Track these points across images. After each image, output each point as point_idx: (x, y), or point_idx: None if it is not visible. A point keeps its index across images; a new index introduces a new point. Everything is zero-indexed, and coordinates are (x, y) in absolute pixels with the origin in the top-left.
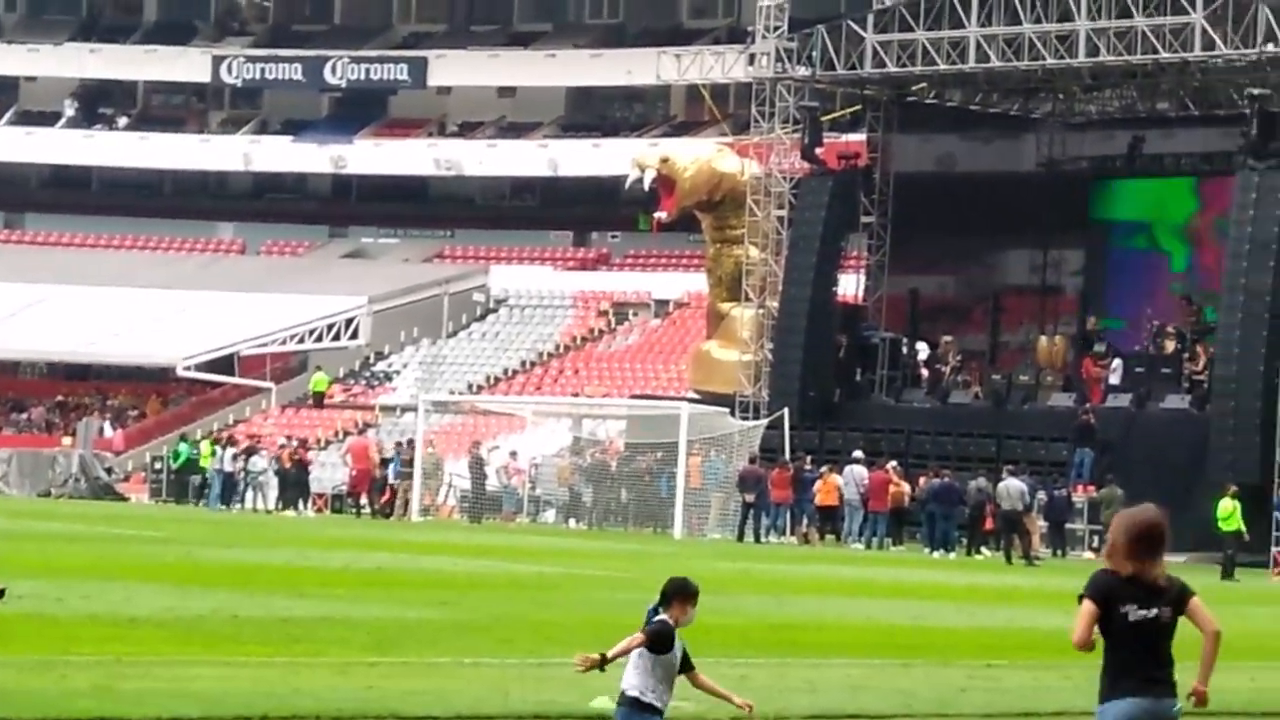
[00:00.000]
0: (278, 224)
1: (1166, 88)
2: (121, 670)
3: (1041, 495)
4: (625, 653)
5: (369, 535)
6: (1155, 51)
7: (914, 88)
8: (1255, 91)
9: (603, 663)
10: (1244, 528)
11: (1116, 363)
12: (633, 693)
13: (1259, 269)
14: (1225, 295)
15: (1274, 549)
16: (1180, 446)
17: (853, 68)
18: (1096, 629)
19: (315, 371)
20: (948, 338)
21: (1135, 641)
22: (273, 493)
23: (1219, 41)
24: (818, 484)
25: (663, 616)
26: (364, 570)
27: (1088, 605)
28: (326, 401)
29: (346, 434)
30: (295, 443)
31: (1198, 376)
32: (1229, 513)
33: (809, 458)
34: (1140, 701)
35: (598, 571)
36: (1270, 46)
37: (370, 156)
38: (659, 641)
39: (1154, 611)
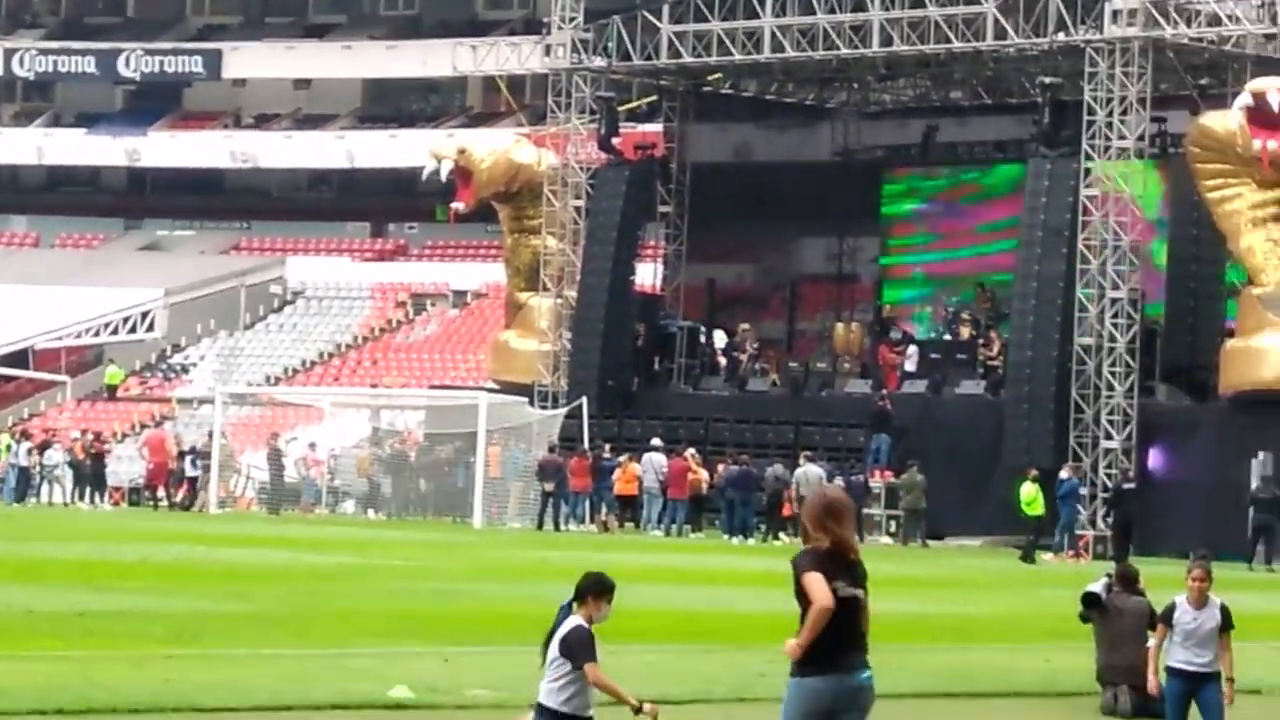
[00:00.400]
0: (72, 217)
1: (960, 77)
2: None
3: (839, 481)
4: (615, 692)
5: (166, 528)
6: (948, 41)
7: (710, 78)
8: (1047, 80)
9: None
10: (1045, 511)
11: (912, 349)
12: (554, 704)
13: (1052, 256)
14: (1018, 282)
15: (1066, 533)
16: (976, 431)
17: (649, 58)
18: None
19: (109, 365)
20: (745, 326)
21: (838, 617)
22: (69, 486)
23: (1011, 31)
24: (617, 472)
25: (576, 618)
26: (161, 563)
27: (815, 574)
28: (122, 394)
29: (143, 427)
30: (91, 436)
31: (992, 362)
32: (1032, 497)
33: (608, 446)
34: (836, 677)
35: (397, 561)
36: (1061, 36)
37: (165, 149)
38: (586, 652)
39: (856, 591)
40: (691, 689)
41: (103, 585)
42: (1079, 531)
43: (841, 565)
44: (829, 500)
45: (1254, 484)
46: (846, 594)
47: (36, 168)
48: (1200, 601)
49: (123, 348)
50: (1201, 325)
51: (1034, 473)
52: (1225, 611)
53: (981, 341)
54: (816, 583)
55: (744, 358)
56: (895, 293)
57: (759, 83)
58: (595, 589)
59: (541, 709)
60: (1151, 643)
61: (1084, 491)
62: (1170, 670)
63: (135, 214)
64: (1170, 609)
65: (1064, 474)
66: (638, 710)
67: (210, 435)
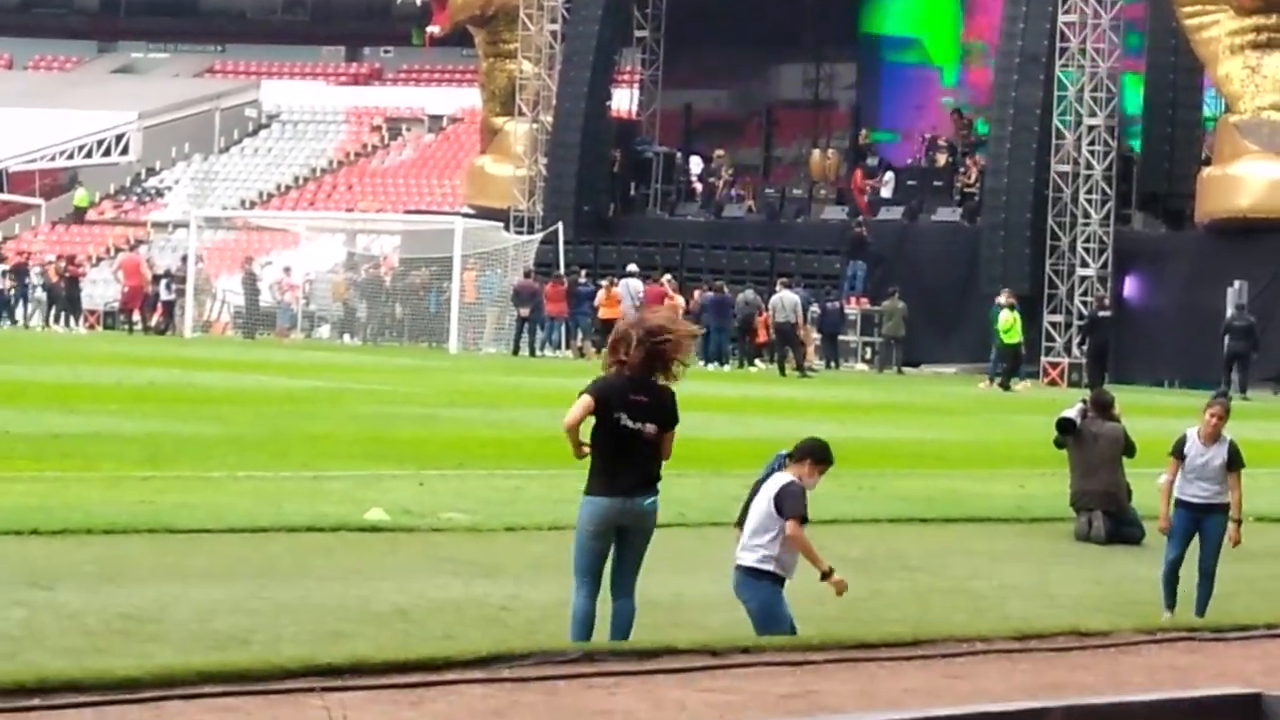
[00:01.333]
0: (45, 39)
1: None
2: None
3: (815, 308)
4: (810, 552)
5: (141, 351)
6: None
7: None
8: None
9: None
10: (1023, 339)
11: (888, 176)
12: (768, 565)
13: (1029, 82)
14: (995, 108)
15: (1044, 358)
16: (952, 259)
17: None
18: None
19: (78, 188)
20: (721, 152)
21: (620, 444)
22: (44, 309)
23: None
24: (600, 295)
25: (789, 475)
26: (136, 386)
27: (585, 397)
28: (95, 218)
29: (118, 250)
30: (65, 260)
31: (969, 189)
32: (1009, 325)
33: (584, 272)
34: (619, 500)
35: (372, 386)
36: None
37: None
38: (798, 504)
39: (638, 425)
40: (666, 513)
41: (78, 408)
42: (1054, 359)
43: (631, 397)
44: (625, 328)
45: (1228, 312)
46: (627, 425)
47: None
48: (1213, 438)
49: (97, 171)
50: (1178, 153)
51: (1011, 300)
52: (1234, 449)
53: (958, 168)
54: (576, 405)
55: (720, 183)
56: (872, 119)
57: None
58: (819, 454)
59: (743, 570)
60: (1163, 478)
61: (1058, 319)
62: (1178, 502)
63: (109, 36)
64: (1181, 442)
65: (1001, 299)
66: (825, 576)
67: (185, 259)
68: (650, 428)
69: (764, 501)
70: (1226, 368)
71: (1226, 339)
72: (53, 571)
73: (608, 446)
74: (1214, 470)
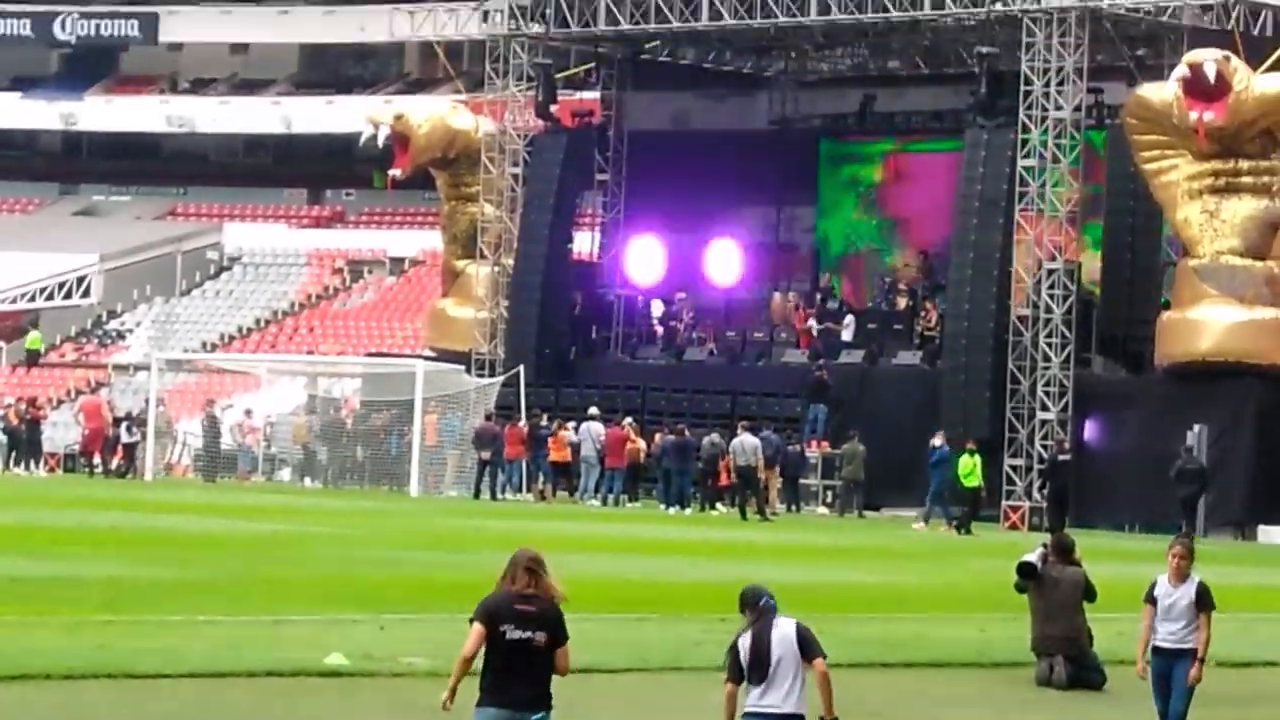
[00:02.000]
0: (7, 181)
1: (897, 47)
2: None
3: (771, 449)
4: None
5: (102, 494)
6: (886, 10)
7: (647, 45)
8: (984, 51)
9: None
10: (983, 483)
11: (848, 319)
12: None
13: (988, 227)
14: (955, 253)
15: (1005, 502)
16: (913, 402)
17: (586, 25)
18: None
19: (30, 330)
20: (682, 295)
21: (509, 657)
22: (3, 452)
23: (948, 0)
24: (550, 440)
25: (789, 618)
26: (97, 529)
27: (476, 625)
28: (57, 359)
29: (79, 393)
30: (25, 402)
31: (929, 333)
32: (970, 469)
33: (545, 415)
34: (507, 712)
35: (333, 529)
36: (999, 6)
37: (101, 113)
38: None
39: (529, 634)
40: (627, 657)
41: (37, 552)
42: (1015, 503)
43: (517, 607)
44: (514, 557)
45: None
46: (514, 636)
47: None
48: (1180, 577)
49: (58, 313)
50: (1138, 297)
51: (971, 445)
52: (1204, 589)
53: (918, 312)
54: (470, 636)
55: (681, 326)
56: (833, 262)
57: (697, 51)
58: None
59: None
60: (1142, 623)
61: (1018, 463)
62: (1153, 648)
63: (71, 179)
64: (1152, 587)
65: (936, 441)
66: None
67: (146, 402)
68: (540, 636)
69: (785, 647)
70: (1180, 511)
71: (1177, 483)
72: (11, 717)
73: (497, 660)
74: (1182, 610)
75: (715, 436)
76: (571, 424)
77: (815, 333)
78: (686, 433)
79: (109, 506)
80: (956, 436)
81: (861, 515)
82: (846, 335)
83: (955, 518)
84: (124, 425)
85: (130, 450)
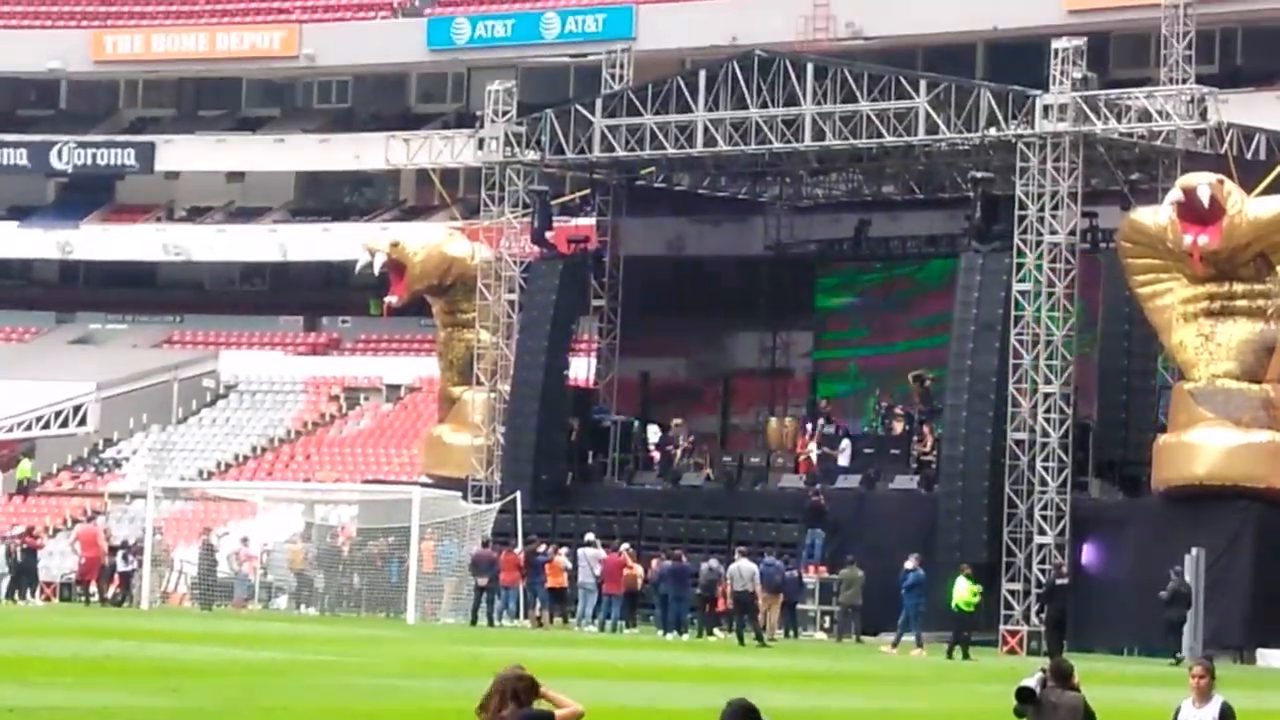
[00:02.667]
0: (4, 310)
1: (892, 171)
2: None
3: (772, 575)
4: None
5: (98, 623)
6: (880, 136)
7: (643, 171)
8: (978, 175)
9: None
10: (976, 607)
11: (845, 443)
12: None
13: (984, 350)
14: (951, 376)
15: (1003, 627)
16: (910, 527)
17: (582, 152)
18: None
19: (21, 460)
20: (678, 420)
21: None
22: (2, 582)
23: (942, 126)
24: (547, 566)
25: None
26: (92, 658)
27: None
28: (53, 488)
29: (75, 521)
30: (22, 530)
31: (926, 457)
32: (961, 590)
33: (542, 541)
34: None
35: (329, 657)
36: (993, 131)
37: (98, 242)
38: None
39: None
40: None
41: (33, 681)
42: (1013, 627)
43: None
44: (496, 679)
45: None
46: None
47: None
48: (1204, 696)
49: (54, 442)
50: (1134, 420)
51: (967, 569)
52: (1227, 710)
53: (915, 436)
54: None
55: (678, 452)
56: (829, 387)
57: (692, 177)
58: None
59: None
60: None
61: (1016, 587)
62: None
63: (67, 307)
64: (1176, 713)
65: (909, 564)
66: None
67: (143, 530)
68: None
69: None
70: (1167, 635)
71: (1165, 607)
72: None
73: None
74: None
75: (714, 563)
76: (564, 550)
77: (814, 458)
78: (684, 558)
79: (105, 635)
80: (952, 561)
81: (859, 640)
82: (843, 460)
83: (949, 642)
84: (120, 554)
85: (126, 579)
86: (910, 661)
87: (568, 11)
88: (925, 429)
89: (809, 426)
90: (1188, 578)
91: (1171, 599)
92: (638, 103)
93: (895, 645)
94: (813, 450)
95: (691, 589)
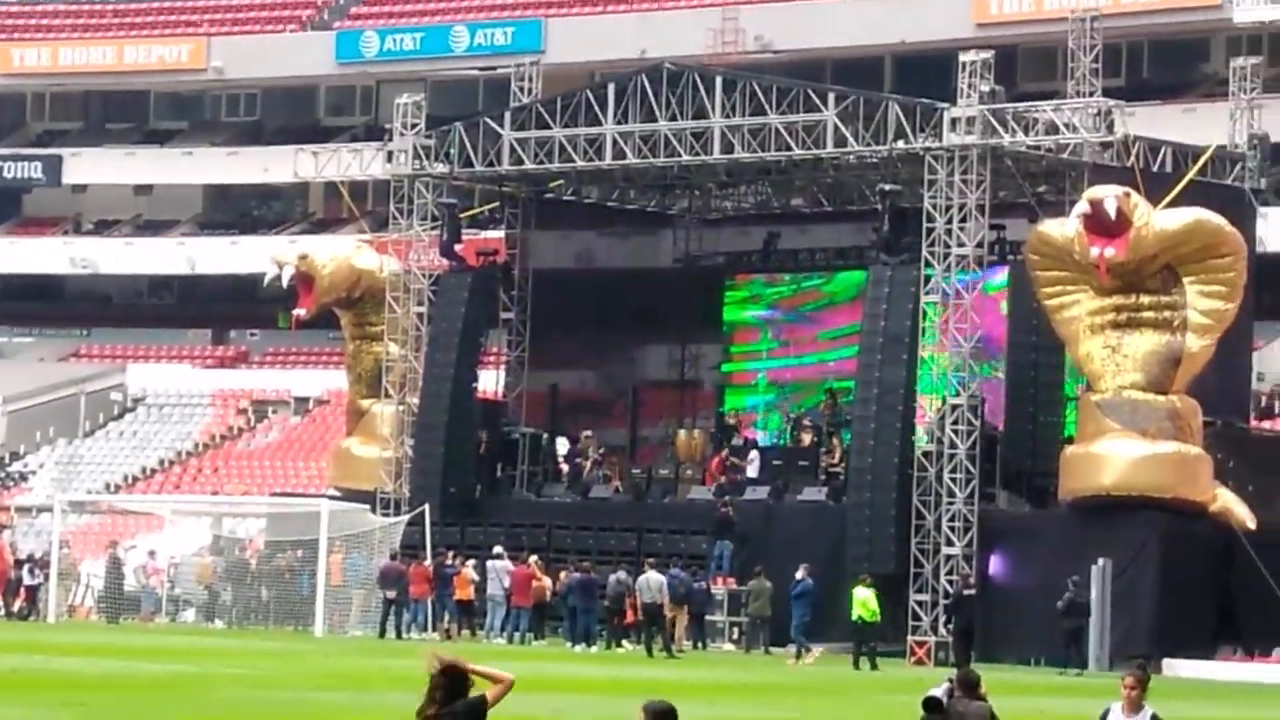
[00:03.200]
0: None
1: (801, 184)
2: None
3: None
4: None
5: (4, 638)
6: (789, 148)
7: (552, 184)
8: (887, 188)
9: None
10: (878, 616)
11: (753, 455)
12: None
13: (893, 362)
14: (860, 388)
15: (910, 637)
16: (818, 538)
17: (490, 165)
18: None
19: None
20: (587, 433)
21: None
22: None
23: (851, 138)
24: (455, 578)
25: None
26: None
27: None
28: None
29: None
30: None
31: (834, 469)
32: (861, 600)
33: (451, 553)
34: None
35: (238, 670)
36: (901, 143)
37: (4, 255)
38: None
39: None
40: None
41: None
42: (920, 638)
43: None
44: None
45: (1077, 590)
46: None
47: None
48: (1134, 707)
49: None
50: (1041, 431)
51: (866, 578)
52: None
53: (823, 448)
54: None
55: (586, 464)
56: (738, 399)
57: (601, 189)
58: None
59: None
60: None
61: (923, 598)
62: None
63: None
64: (1104, 715)
65: (799, 574)
66: None
67: (49, 543)
68: None
69: None
70: (1065, 645)
71: (1061, 617)
72: None
73: None
74: None
75: (621, 574)
76: (472, 562)
77: (722, 469)
78: (591, 570)
79: (10, 649)
80: (860, 572)
81: (768, 652)
82: (752, 471)
83: (853, 653)
84: (26, 567)
85: (33, 592)
86: (818, 672)
87: (476, 25)
88: (834, 441)
89: (709, 441)
90: (1094, 588)
91: (1068, 610)
92: (546, 116)
93: (797, 658)
94: (724, 459)
95: (599, 601)
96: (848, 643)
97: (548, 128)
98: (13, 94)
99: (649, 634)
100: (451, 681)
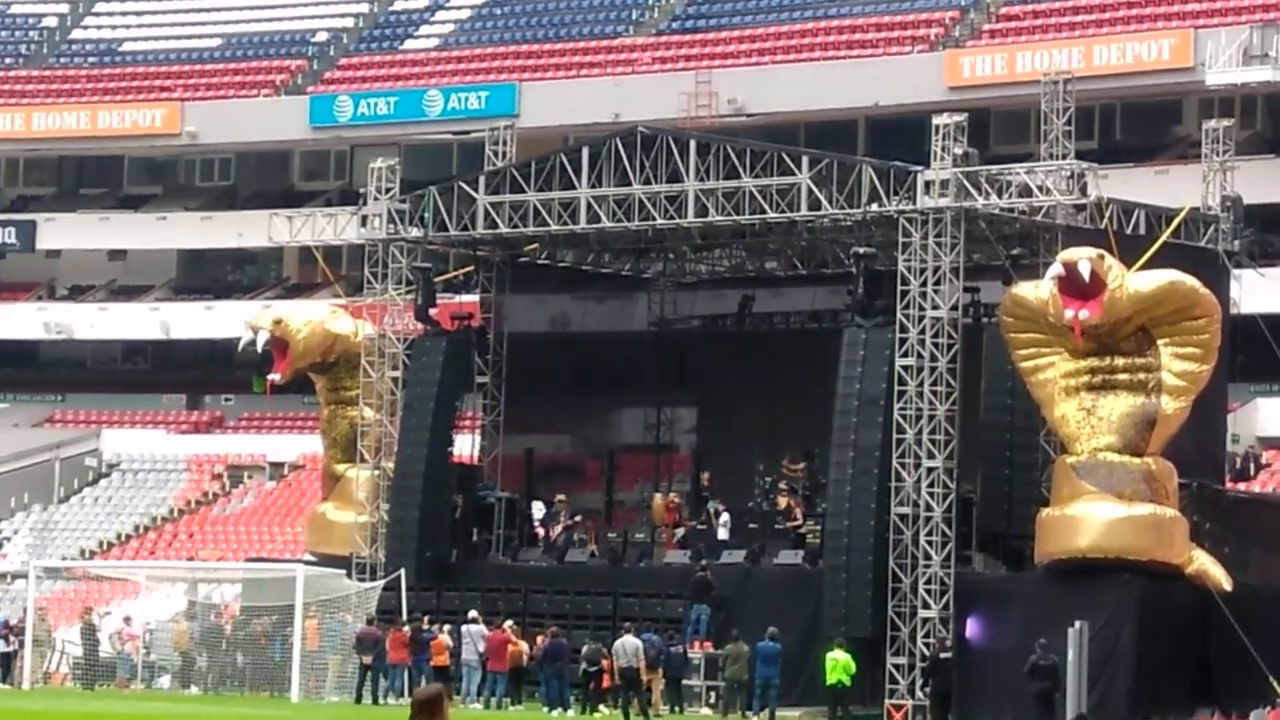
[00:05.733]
0: None
1: (775, 247)
2: None
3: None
4: None
5: None
6: (763, 211)
7: (526, 248)
8: (861, 250)
9: None
10: (849, 680)
11: (724, 518)
12: None
13: (868, 425)
14: (835, 451)
15: (888, 701)
16: (795, 602)
17: (465, 229)
18: None
19: None
20: (562, 497)
21: None
22: None
23: (825, 201)
24: (431, 644)
25: None
26: None
27: None
28: None
29: None
30: None
31: (809, 532)
32: (835, 664)
33: (426, 618)
34: None
35: None
36: (875, 206)
37: None
38: None
39: None
40: None
41: None
42: (898, 701)
43: None
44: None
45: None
46: None
47: None
48: None
49: None
50: (1016, 494)
51: (839, 640)
52: None
53: (799, 511)
54: None
55: (561, 528)
56: (713, 462)
57: (575, 253)
58: None
59: None
60: None
61: (900, 661)
62: None
63: None
64: None
65: (766, 638)
66: None
67: (24, 610)
68: None
69: None
70: (1036, 707)
71: (1030, 680)
72: None
73: None
74: None
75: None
76: (448, 627)
77: (697, 533)
78: (558, 635)
79: None
80: (837, 635)
81: (745, 715)
82: (723, 534)
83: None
84: (1, 634)
85: (8, 659)
86: None
87: (450, 89)
88: (810, 504)
89: (685, 505)
90: (1070, 650)
91: (1031, 672)
92: (521, 179)
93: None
94: (695, 525)
95: (571, 666)
96: (823, 706)
97: (522, 191)
98: None
99: (625, 698)
100: (435, 701)
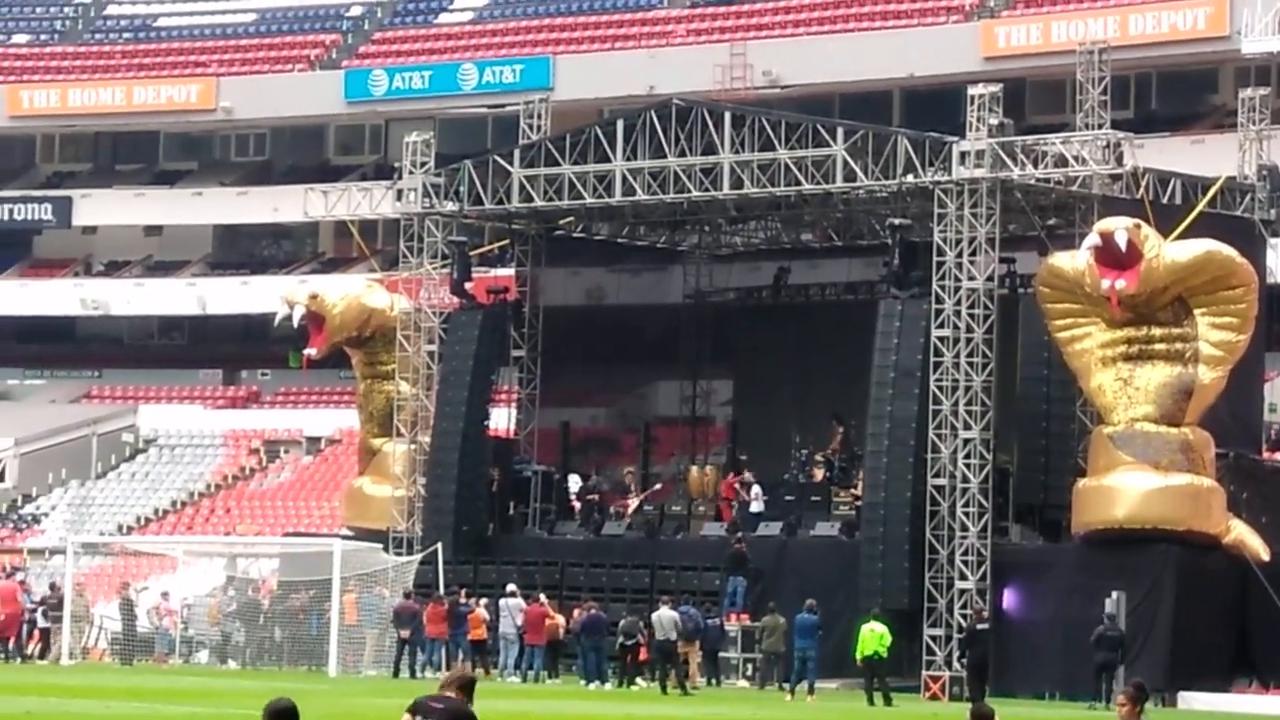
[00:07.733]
0: None
1: (810, 219)
2: None
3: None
4: None
5: (18, 680)
6: (798, 183)
7: (561, 221)
8: (896, 222)
9: None
10: (884, 652)
11: (756, 490)
12: None
13: (904, 396)
14: (871, 423)
15: (925, 672)
16: (831, 574)
17: (500, 202)
18: None
19: None
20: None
21: None
22: None
23: (860, 173)
24: (469, 617)
25: None
26: (12, 715)
27: None
28: None
29: None
30: None
31: (846, 504)
32: (870, 635)
33: (464, 591)
34: None
35: (250, 711)
36: (910, 178)
37: (15, 297)
38: None
39: None
40: None
41: None
42: (935, 673)
43: (430, 704)
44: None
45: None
46: None
47: None
48: None
49: None
50: (1053, 465)
51: (875, 611)
52: None
53: (835, 484)
54: None
55: (598, 501)
56: (750, 434)
57: (611, 226)
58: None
59: None
60: None
61: (937, 633)
62: None
63: None
64: None
65: (804, 610)
66: None
67: (62, 585)
68: None
69: None
70: (1096, 678)
71: (1095, 649)
72: None
73: None
74: None
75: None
76: (484, 600)
77: (734, 505)
78: (595, 609)
79: (25, 692)
80: (874, 606)
81: (782, 688)
82: (756, 506)
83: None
84: (40, 609)
85: (46, 635)
86: (831, 708)
87: (485, 63)
88: (847, 475)
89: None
90: (1104, 620)
91: (1098, 642)
92: (556, 153)
93: (792, 693)
94: (741, 494)
95: (606, 638)
96: (861, 678)
97: (557, 165)
98: (22, 136)
99: (663, 671)
100: (468, 684)
